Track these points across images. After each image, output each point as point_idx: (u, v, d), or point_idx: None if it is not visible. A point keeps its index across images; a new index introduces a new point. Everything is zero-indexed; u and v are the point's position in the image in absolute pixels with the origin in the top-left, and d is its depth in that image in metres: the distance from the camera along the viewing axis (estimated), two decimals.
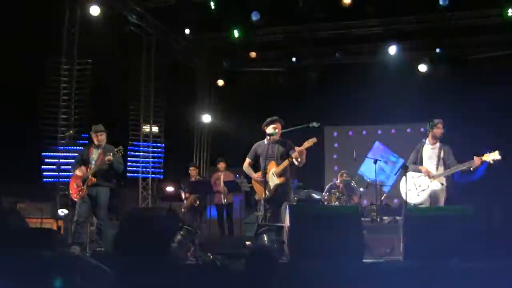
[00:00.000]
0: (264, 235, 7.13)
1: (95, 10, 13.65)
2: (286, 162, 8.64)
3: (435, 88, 16.12)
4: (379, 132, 19.15)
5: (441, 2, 13.57)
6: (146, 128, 16.24)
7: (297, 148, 8.50)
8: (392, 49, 15.91)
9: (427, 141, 9.37)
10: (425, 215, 7.24)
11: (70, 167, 10.30)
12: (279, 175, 8.66)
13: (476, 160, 8.73)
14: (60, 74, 14.37)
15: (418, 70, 16.44)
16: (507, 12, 14.09)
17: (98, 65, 14.66)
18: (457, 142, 9.33)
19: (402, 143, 16.75)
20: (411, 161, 9.37)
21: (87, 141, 12.30)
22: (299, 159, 8.51)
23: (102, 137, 9.96)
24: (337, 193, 13.37)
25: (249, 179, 10.09)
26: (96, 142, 9.93)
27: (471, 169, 8.90)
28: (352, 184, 13.91)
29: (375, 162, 13.17)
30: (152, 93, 16.40)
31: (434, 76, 16.29)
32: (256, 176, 8.93)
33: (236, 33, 15.46)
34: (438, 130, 9.25)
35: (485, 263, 6.07)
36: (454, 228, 6.62)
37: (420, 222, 6.94)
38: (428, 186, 9.04)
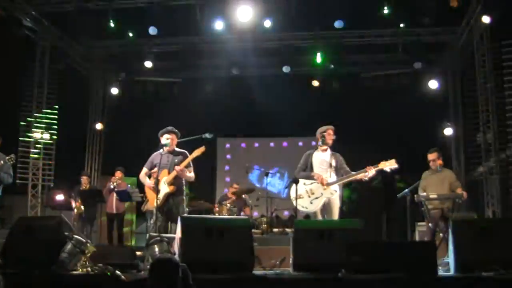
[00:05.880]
0: (155, 246, 7.17)
1: None
2: (174, 173, 8.92)
3: (328, 103, 16.63)
4: (271, 144, 19.42)
5: (336, 25, 14.05)
6: (37, 135, 15.83)
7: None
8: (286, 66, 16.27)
9: (316, 149, 9.34)
10: (314, 227, 7.45)
11: None
12: (170, 183, 8.91)
13: (368, 169, 8.78)
14: None
15: (312, 85, 16.93)
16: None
17: None
18: (348, 156, 9.55)
19: (293, 156, 17.09)
20: (301, 168, 9.29)
21: None
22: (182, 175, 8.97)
23: None
24: (228, 205, 13.55)
25: (142, 189, 10.17)
26: None
27: (367, 178, 8.89)
28: (243, 196, 14.15)
29: (267, 175, 13.49)
30: (45, 99, 15.99)
31: (328, 91, 16.82)
32: (149, 183, 9.10)
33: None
34: (329, 137, 9.26)
35: (372, 275, 6.26)
36: (342, 240, 6.79)
37: (310, 234, 7.09)
38: (322, 193, 8.89)
